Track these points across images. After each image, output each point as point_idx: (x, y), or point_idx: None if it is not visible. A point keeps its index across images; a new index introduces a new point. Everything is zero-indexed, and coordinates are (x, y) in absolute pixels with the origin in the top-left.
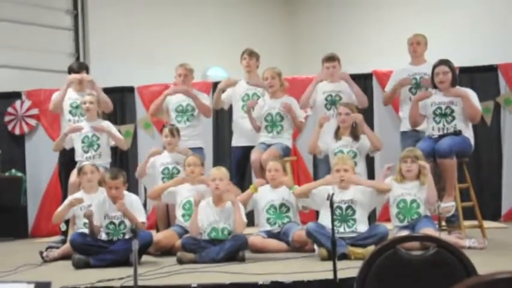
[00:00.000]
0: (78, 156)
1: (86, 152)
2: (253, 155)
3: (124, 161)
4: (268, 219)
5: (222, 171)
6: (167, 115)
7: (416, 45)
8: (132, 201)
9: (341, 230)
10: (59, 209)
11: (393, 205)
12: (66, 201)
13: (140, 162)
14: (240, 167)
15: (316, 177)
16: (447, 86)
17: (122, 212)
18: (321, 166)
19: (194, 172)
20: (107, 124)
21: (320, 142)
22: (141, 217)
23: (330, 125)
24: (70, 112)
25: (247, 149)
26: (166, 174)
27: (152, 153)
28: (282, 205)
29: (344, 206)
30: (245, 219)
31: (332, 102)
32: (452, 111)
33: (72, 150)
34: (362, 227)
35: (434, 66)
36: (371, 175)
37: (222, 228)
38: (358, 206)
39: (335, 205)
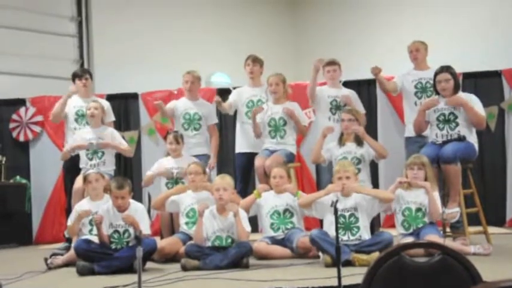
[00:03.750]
0: (83, 163)
1: (90, 160)
2: (257, 162)
3: (128, 168)
4: (271, 224)
5: (226, 181)
6: (172, 122)
7: (416, 52)
8: (137, 210)
9: (345, 238)
10: (69, 223)
11: (399, 213)
12: (73, 214)
13: (144, 168)
14: (244, 174)
15: (319, 184)
16: (449, 93)
17: (129, 224)
18: (324, 174)
19: (195, 181)
20: (111, 131)
21: (323, 150)
22: (145, 229)
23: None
24: (76, 120)
25: (251, 156)
26: (170, 180)
27: (161, 173)
28: (285, 210)
29: (347, 214)
30: (248, 228)
31: (337, 107)
32: (456, 117)
33: (77, 156)
34: (366, 234)
35: (436, 74)
36: (375, 181)
37: (226, 237)
38: (360, 212)
39: (338, 213)
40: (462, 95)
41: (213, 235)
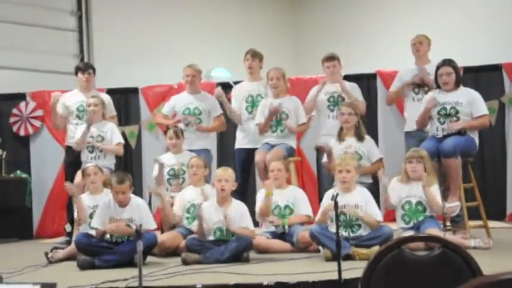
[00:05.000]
0: (84, 156)
1: (91, 153)
2: (258, 156)
3: (128, 162)
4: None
5: (228, 172)
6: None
7: (419, 45)
8: (139, 204)
9: (345, 235)
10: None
11: (398, 207)
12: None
13: (144, 163)
14: (244, 169)
15: (319, 178)
16: (451, 86)
17: (121, 234)
18: (324, 168)
19: (197, 174)
20: (111, 126)
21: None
22: (150, 224)
23: (333, 126)
24: (77, 116)
25: (251, 151)
26: (172, 176)
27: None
28: (286, 206)
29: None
30: (252, 227)
31: (335, 103)
32: (457, 112)
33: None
34: (366, 232)
35: (438, 67)
36: (375, 175)
37: (227, 228)
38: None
39: (339, 211)
40: (464, 90)
41: (214, 226)
